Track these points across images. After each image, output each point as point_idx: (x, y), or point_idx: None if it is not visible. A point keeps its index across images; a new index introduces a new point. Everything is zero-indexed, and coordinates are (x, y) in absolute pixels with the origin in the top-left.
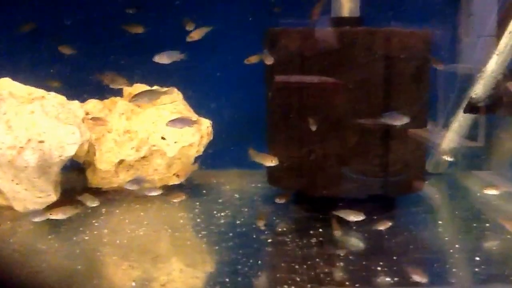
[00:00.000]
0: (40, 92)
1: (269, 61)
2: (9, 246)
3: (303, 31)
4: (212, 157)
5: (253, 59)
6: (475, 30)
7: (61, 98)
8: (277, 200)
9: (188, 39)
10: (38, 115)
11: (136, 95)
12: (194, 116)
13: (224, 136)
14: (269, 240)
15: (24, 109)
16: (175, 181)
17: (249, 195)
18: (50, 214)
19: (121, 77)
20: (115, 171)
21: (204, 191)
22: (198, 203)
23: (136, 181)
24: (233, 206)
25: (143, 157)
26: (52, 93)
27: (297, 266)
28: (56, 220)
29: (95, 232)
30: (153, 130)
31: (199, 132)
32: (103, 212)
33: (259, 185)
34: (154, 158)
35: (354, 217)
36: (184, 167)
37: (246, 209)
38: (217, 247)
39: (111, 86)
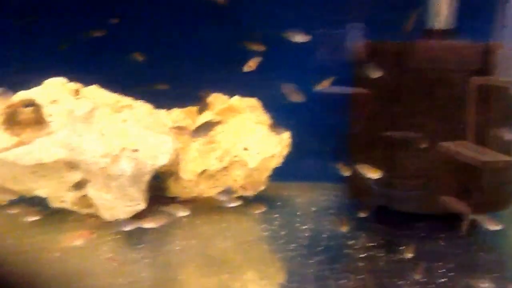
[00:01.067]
0: (128, 100)
1: (376, 74)
2: (103, 254)
3: (391, 44)
4: (280, 169)
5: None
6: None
7: (149, 107)
8: (361, 214)
9: (246, 69)
10: (131, 124)
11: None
12: (271, 127)
13: (295, 148)
14: (361, 255)
15: (116, 117)
16: (252, 192)
17: (325, 208)
18: (143, 223)
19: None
20: (196, 181)
21: (279, 203)
22: (276, 215)
23: (227, 192)
24: (312, 219)
25: (224, 168)
26: (139, 102)
27: (400, 282)
28: (142, 229)
29: (184, 242)
30: (235, 140)
31: (281, 143)
32: (185, 222)
33: (331, 197)
34: (234, 168)
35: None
36: (261, 178)
37: (326, 222)
38: (311, 261)
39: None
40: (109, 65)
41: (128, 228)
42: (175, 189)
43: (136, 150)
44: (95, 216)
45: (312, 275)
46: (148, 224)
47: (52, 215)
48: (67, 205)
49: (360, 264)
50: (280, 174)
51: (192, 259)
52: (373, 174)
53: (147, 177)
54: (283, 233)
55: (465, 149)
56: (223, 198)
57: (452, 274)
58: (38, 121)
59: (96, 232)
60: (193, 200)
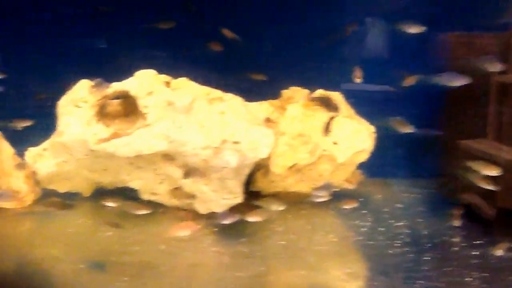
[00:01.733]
0: (218, 92)
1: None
2: (208, 247)
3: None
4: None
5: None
6: None
7: (240, 99)
8: (455, 212)
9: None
10: (229, 116)
11: None
12: (364, 122)
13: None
14: (473, 253)
15: (214, 109)
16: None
17: (410, 205)
18: (247, 217)
19: None
20: (285, 175)
21: (361, 199)
22: (366, 212)
23: (325, 187)
24: (404, 216)
25: (312, 162)
26: (230, 94)
27: None
28: (236, 223)
29: (285, 237)
30: (325, 134)
31: (371, 138)
32: (275, 216)
33: (415, 195)
34: (321, 163)
35: None
36: (347, 173)
37: (421, 220)
38: (424, 258)
39: None
40: (187, 58)
41: (227, 221)
42: (262, 183)
43: (237, 142)
44: (185, 209)
45: (434, 272)
46: (252, 217)
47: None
48: (158, 197)
49: (473, 261)
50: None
51: (298, 254)
52: (491, 171)
53: (247, 170)
54: (380, 229)
55: (485, 146)
56: (320, 193)
57: None
58: (127, 112)
59: (200, 224)
60: (278, 194)
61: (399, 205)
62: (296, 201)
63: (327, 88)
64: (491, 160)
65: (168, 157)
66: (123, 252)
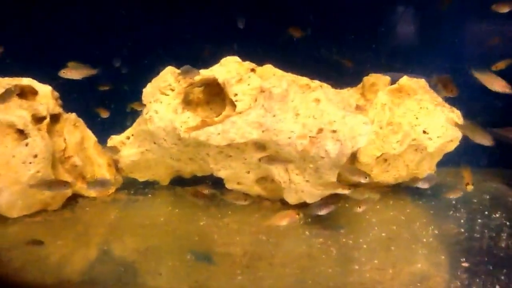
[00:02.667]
0: (304, 79)
1: None
2: (311, 239)
3: None
4: None
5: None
6: None
7: (329, 87)
8: None
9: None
10: (325, 104)
11: None
12: (451, 109)
13: None
14: None
15: (309, 96)
16: (420, 176)
17: (500, 195)
18: (359, 208)
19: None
20: (372, 165)
21: (444, 190)
22: (454, 202)
23: (429, 178)
24: (497, 206)
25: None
26: (317, 81)
27: None
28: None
29: (385, 228)
30: (415, 123)
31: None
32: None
33: (498, 184)
34: (409, 153)
35: None
36: (433, 163)
37: None
38: None
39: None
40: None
41: (324, 212)
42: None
43: (335, 131)
44: (269, 200)
45: None
46: (361, 208)
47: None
48: (242, 187)
49: None
50: None
51: (409, 246)
52: None
53: (344, 160)
54: (480, 221)
55: None
56: (423, 185)
57: None
58: (209, 100)
59: (299, 214)
60: (363, 184)
61: (486, 196)
62: (380, 191)
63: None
64: None
65: (259, 145)
66: (225, 243)
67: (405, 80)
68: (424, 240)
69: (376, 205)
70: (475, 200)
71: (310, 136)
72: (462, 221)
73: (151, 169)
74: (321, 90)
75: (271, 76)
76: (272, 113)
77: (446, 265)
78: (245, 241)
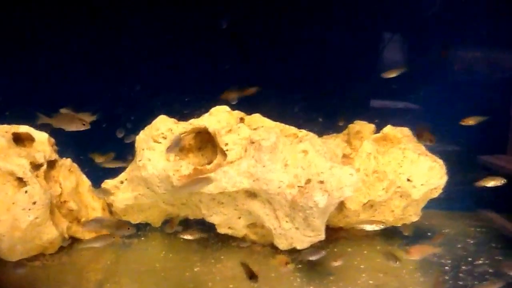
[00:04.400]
0: (292, 129)
1: None
2: (303, 285)
3: None
4: None
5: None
6: None
7: (316, 136)
8: None
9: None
10: (312, 154)
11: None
12: (433, 157)
13: None
14: None
15: (297, 148)
16: (406, 222)
17: (482, 240)
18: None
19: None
20: (358, 211)
21: (429, 234)
22: (439, 247)
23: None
24: (481, 252)
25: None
26: (304, 131)
27: None
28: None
29: (372, 274)
30: (399, 171)
31: (445, 175)
32: (350, 252)
33: (481, 229)
34: (394, 199)
35: None
36: (418, 209)
37: (500, 257)
38: None
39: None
40: None
41: (315, 257)
42: (336, 218)
43: (321, 182)
44: (261, 245)
45: None
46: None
47: (213, 240)
48: (234, 231)
49: None
50: None
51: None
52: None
53: (331, 209)
54: (464, 267)
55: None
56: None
57: None
58: (201, 146)
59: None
60: (350, 229)
61: (470, 241)
62: (365, 236)
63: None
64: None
65: (250, 193)
66: None
67: (389, 129)
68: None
69: (364, 250)
70: (459, 246)
71: (298, 186)
72: (447, 267)
73: (144, 212)
74: (308, 141)
75: (260, 125)
76: (262, 164)
77: None
78: None
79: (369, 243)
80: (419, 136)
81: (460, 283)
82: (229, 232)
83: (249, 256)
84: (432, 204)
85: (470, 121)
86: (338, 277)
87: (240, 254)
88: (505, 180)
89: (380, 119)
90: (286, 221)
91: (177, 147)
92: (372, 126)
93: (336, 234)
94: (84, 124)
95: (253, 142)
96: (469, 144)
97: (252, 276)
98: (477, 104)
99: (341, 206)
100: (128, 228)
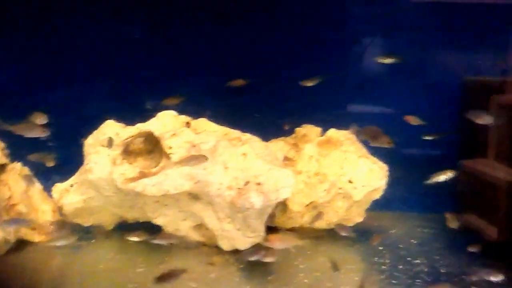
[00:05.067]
0: (236, 132)
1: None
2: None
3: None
4: None
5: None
6: None
7: (259, 140)
8: (470, 249)
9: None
10: (251, 157)
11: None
12: (378, 161)
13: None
14: None
15: (237, 151)
16: (350, 223)
17: (425, 241)
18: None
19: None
20: (302, 212)
21: (375, 234)
22: (380, 247)
23: (344, 227)
24: (419, 252)
25: (328, 200)
26: (247, 134)
27: None
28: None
29: (310, 275)
30: (340, 173)
31: (385, 177)
32: (294, 252)
33: (429, 230)
34: (337, 200)
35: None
36: (362, 210)
37: (437, 257)
38: None
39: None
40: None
41: (255, 258)
42: (280, 219)
43: (260, 184)
44: (208, 245)
45: None
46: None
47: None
48: (180, 233)
49: None
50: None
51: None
52: None
53: (269, 210)
54: (401, 267)
55: (486, 167)
56: (341, 231)
57: None
58: (150, 150)
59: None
60: (294, 230)
61: (413, 241)
62: (312, 237)
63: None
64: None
65: (193, 196)
66: None
67: (332, 132)
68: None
69: (308, 251)
70: (401, 246)
71: (237, 188)
72: (384, 267)
73: (95, 215)
74: (249, 144)
75: (205, 129)
76: (202, 166)
77: None
78: None
79: (316, 244)
80: (374, 138)
81: (394, 281)
82: (177, 233)
83: (194, 257)
84: (386, 206)
85: (412, 121)
86: (276, 277)
87: (186, 255)
88: (454, 172)
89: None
90: (228, 222)
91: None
92: (318, 130)
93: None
94: (44, 131)
95: (194, 146)
96: (426, 145)
97: (161, 278)
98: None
99: (284, 207)
100: None
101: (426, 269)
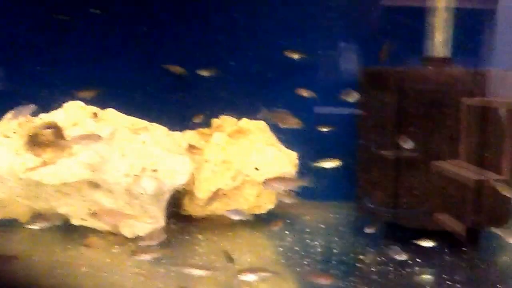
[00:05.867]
0: (143, 122)
1: (353, 98)
2: (128, 269)
3: (403, 71)
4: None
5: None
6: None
7: (164, 129)
8: (367, 230)
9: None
10: (150, 145)
11: None
12: (283, 149)
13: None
14: (373, 269)
15: (136, 139)
16: (262, 210)
17: (333, 225)
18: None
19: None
20: (210, 200)
21: (288, 221)
22: (287, 232)
23: (236, 211)
24: (322, 235)
25: (236, 187)
26: (155, 124)
27: None
28: (161, 246)
29: (204, 258)
30: (247, 161)
31: (290, 163)
32: (200, 238)
33: (337, 216)
34: (246, 188)
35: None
36: (273, 197)
37: (336, 238)
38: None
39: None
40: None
41: (154, 242)
42: (189, 207)
43: (155, 170)
44: (115, 234)
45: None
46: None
47: (72, 232)
48: (87, 223)
49: (374, 277)
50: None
51: (213, 274)
52: None
53: (166, 196)
54: (296, 248)
55: (457, 168)
56: (234, 216)
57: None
58: (59, 142)
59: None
60: (207, 218)
61: (322, 226)
62: (224, 224)
63: None
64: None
65: (93, 184)
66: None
67: (244, 122)
68: (229, 266)
69: (214, 237)
70: (308, 230)
71: (134, 175)
72: (280, 249)
73: (6, 208)
74: (149, 133)
75: (112, 119)
76: (99, 155)
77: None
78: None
79: (226, 229)
80: (282, 120)
81: (283, 261)
82: (84, 223)
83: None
84: (311, 196)
85: (304, 93)
86: (168, 261)
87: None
88: (340, 162)
89: None
90: (127, 210)
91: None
92: (234, 120)
93: (200, 223)
94: None
95: (93, 134)
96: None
97: None
98: None
99: (191, 195)
100: None
101: (320, 250)
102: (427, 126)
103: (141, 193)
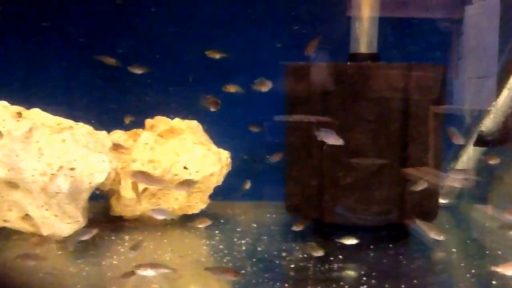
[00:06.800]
0: (69, 122)
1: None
2: (41, 269)
3: (322, 66)
4: (227, 188)
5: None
6: (464, 72)
7: (89, 128)
8: (294, 228)
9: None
10: (69, 144)
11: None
12: (213, 147)
13: (239, 168)
14: (292, 266)
15: (56, 137)
16: (194, 210)
17: (265, 224)
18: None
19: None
20: (140, 199)
21: (222, 221)
22: (217, 231)
23: (160, 211)
24: (252, 234)
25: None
26: (80, 123)
27: None
28: (85, 246)
29: (122, 257)
30: (176, 160)
31: (220, 162)
32: (127, 239)
33: (274, 215)
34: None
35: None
36: (205, 197)
37: (265, 237)
38: (243, 271)
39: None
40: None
41: (86, 237)
42: (117, 207)
43: (72, 169)
44: (38, 235)
45: (244, 284)
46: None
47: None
48: (10, 224)
49: (291, 273)
50: (226, 193)
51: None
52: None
53: (84, 195)
54: (221, 247)
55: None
56: (157, 216)
57: (374, 281)
58: None
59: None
60: (139, 219)
61: (254, 225)
62: (155, 224)
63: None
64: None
65: (12, 184)
66: None
67: (176, 121)
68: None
69: (140, 237)
70: (239, 229)
71: (51, 174)
72: (205, 247)
73: None
74: (70, 131)
75: (36, 119)
76: (15, 153)
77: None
78: None
79: (159, 231)
80: (212, 104)
81: (203, 259)
82: (7, 225)
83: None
84: (248, 196)
85: (232, 89)
86: (90, 259)
87: (19, 245)
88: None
89: None
90: (46, 209)
91: None
92: (168, 120)
93: (131, 223)
94: None
95: (9, 133)
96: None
97: None
98: None
99: (118, 195)
100: None
101: (244, 248)
102: (347, 120)
103: (57, 192)
